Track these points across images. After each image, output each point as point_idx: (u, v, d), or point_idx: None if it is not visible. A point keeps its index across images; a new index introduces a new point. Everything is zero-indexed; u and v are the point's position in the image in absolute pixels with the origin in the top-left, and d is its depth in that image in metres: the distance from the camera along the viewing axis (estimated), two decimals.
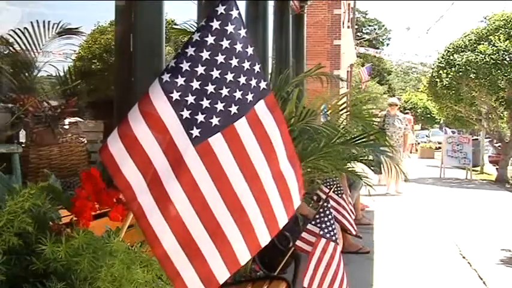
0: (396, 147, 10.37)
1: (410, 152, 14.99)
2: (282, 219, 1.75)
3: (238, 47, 1.60)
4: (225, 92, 1.59)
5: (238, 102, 1.61)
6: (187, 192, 1.55)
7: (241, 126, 1.62)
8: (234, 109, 1.60)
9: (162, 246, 1.52)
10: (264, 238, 1.72)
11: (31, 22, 4.62)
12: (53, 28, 4.72)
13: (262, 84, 1.66)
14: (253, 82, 1.64)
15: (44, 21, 4.67)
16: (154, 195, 1.52)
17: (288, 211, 1.77)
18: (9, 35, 4.55)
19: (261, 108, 1.66)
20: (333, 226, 3.24)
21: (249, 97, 1.63)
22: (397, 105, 12.01)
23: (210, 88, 1.57)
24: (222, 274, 1.63)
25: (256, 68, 1.65)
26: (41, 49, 4.72)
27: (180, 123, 1.54)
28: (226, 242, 1.62)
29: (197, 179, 1.56)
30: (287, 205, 1.76)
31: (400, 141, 11.29)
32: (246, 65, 1.62)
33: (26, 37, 4.61)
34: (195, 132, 1.55)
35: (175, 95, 1.53)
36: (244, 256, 1.67)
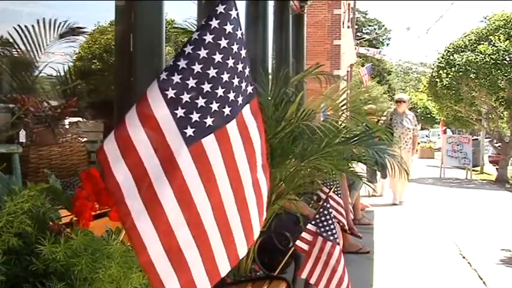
0: (405, 150, 9.53)
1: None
2: (256, 231, 1.70)
3: (235, 47, 1.59)
4: (220, 92, 1.57)
5: (231, 103, 1.59)
6: (178, 196, 1.51)
7: (232, 128, 1.60)
8: (227, 110, 1.58)
9: (147, 254, 1.48)
10: (242, 250, 1.66)
11: (37, 20, 4.61)
12: (57, 29, 4.72)
13: (249, 88, 1.65)
14: (243, 85, 1.63)
15: (50, 20, 4.65)
16: (145, 199, 1.48)
17: (260, 219, 1.72)
18: (12, 32, 4.55)
19: (246, 112, 1.65)
20: (332, 226, 3.24)
21: (240, 100, 1.62)
22: (405, 101, 10.20)
23: (206, 87, 1.55)
24: (204, 285, 1.58)
25: (247, 71, 1.64)
26: (44, 49, 4.72)
27: (174, 122, 1.51)
28: (210, 251, 1.58)
29: (188, 182, 1.53)
30: (260, 215, 1.71)
31: (409, 144, 9.88)
32: (240, 66, 1.61)
33: (29, 36, 4.61)
34: (189, 131, 1.52)
35: (171, 93, 1.51)
36: (224, 267, 1.62)
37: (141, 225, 1.48)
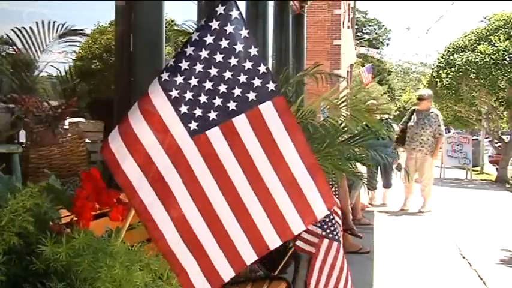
0: (421, 152, 8.94)
1: None
2: (296, 226, 1.69)
3: (239, 47, 1.61)
4: (223, 88, 1.61)
5: (237, 99, 1.62)
6: (188, 186, 1.58)
7: (240, 122, 1.62)
8: (232, 105, 1.61)
9: (165, 240, 1.56)
10: (273, 241, 1.67)
11: (36, 22, 4.64)
12: (56, 30, 4.73)
13: (271, 86, 1.64)
14: (257, 82, 1.63)
15: (49, 22, 4.68)
16: (157, 191, 1.55)
17: (305, 219, 1.69)
18: (14, 32, 4.56)
19: (267, 109, 1.64)
20: (335, 226, 3.24)
21: (251, 96, 1.62)
22: (424, 99, 9.04)
23: (208, 85, 1.60)
24: (227, 272, 1.63)
25: (262, 68, 1.64)
26: (44, 49, 4.74)
27: (179, 119, 1.57)
28: (229, 239, 1.62)
29: (196, 171, 1.59)
30: (303, 212, 1.68)
31: (426, 146, 8.92)
32: (248, 64, 1.62)
33: (29, 37, 4.62)
34: (193, 125, 1.59)
35: (174, 93, 1.57)
36: (249, 256, 1.66)
37: (156, 214, 1.55)
